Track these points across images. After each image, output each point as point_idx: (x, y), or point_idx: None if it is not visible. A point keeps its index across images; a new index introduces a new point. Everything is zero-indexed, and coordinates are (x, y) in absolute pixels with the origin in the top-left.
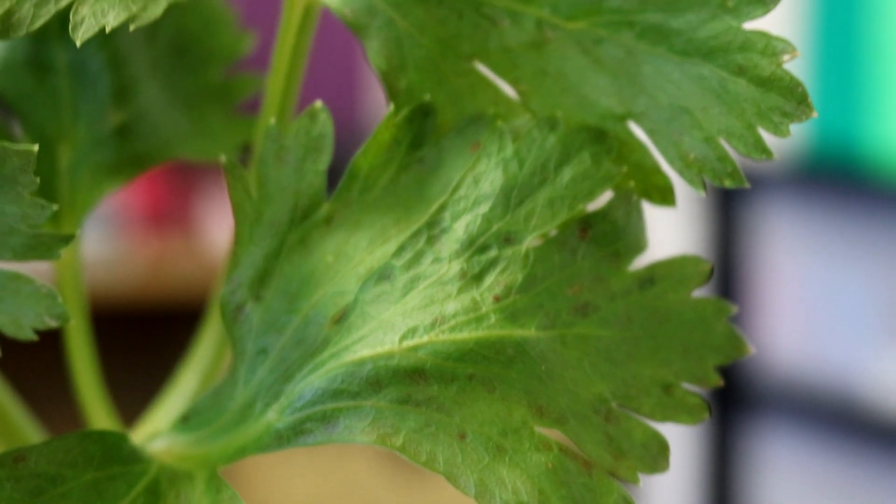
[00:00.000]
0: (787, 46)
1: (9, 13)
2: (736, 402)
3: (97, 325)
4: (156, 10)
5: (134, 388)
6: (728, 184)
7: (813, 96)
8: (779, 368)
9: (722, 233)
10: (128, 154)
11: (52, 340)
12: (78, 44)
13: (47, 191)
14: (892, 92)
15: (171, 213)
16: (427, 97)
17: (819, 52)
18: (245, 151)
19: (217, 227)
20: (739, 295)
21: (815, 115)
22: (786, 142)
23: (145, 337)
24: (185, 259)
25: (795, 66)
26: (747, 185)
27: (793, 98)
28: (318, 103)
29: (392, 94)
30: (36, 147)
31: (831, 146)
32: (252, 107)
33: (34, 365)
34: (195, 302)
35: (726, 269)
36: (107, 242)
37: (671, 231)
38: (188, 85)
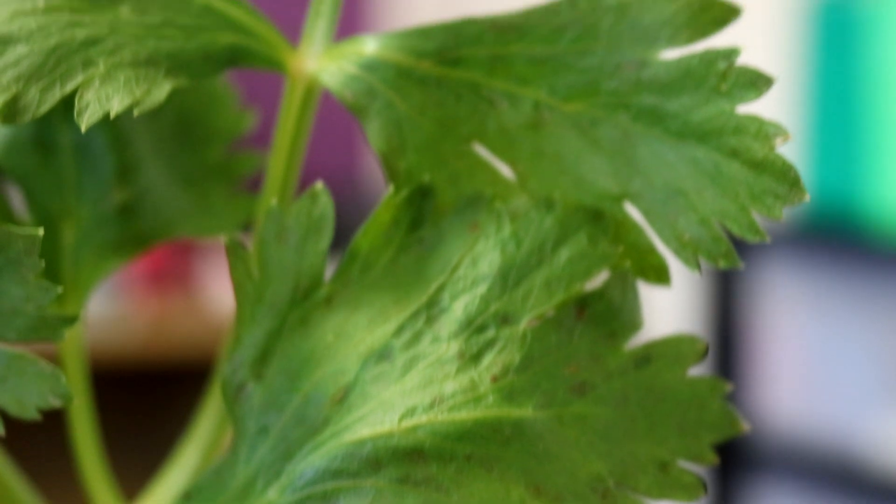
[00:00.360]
0: (780, 130)
1: (15, 99)
2: (737, 462)
3: (98, 384)
4: (159, 95)
5: (136, 447)
6: (722, 264)
7: (811, 155)
8: (780, 428)
9: (722, 292)
10: (131, 232)
11: (54, 416)
12: (83, 129)
13: (51, 268)
14: (891, 151)
15: (171, 272)
16: (426, 178)
17: (818, 111)
18: (247, 227)
19: (217, 286)
20: (739, 354)
21: (807, 198)
22: None
23: (147, 396)
24: (186, 318)
25: (794, 130)
26: (741, 266)
27: (785, 181)
28: (319, 184)
29: (392, 175)
30: (41, 231)
31: (830, 206)
32: (254, 183)
33: (36, 441)
34: (197, 361)
35: (726, 327)
36: (108, 301)
37: (672, 288)
38: (190, 163)
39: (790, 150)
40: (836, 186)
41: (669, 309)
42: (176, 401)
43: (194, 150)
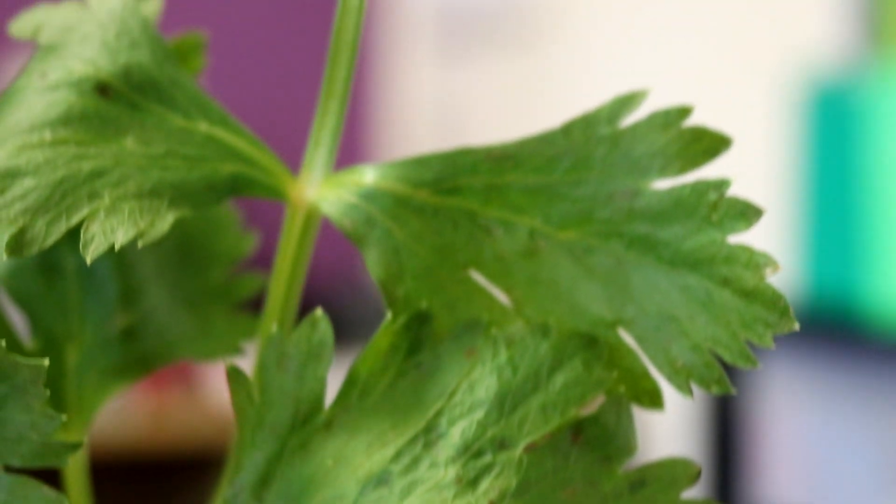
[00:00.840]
0: (769, 261)
1: (22, 231)
2: None
3: (98, 476)
4: (163, 227)
5: None
6: (715, 390)
7: (809, 247)
8: None
9: None
10: (133, 356)
11: None
12: (88, 261)
13: (55, 391)
14: (889, 245)
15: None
16: (424, 304)
17: (815, 202)
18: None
19: (217, 378)
20: (740, 449)
21: (796, 327)
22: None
23: (147, 488)
24: (187, 410)
25: (791, 217)
26: (734, 392)
27: (775, 310)
28: (318, 311)
29: (390, 301)
30: (46, 361)
31: (828, 299)
32: (256, 303)
33: None
34: (197, 453)
35: (726, 422)
36: None
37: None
38: (192, 286)
39: (788, 244)
40: (834, 279)
41: (670, 400)
42: (176, 493)
43: (196, 273)
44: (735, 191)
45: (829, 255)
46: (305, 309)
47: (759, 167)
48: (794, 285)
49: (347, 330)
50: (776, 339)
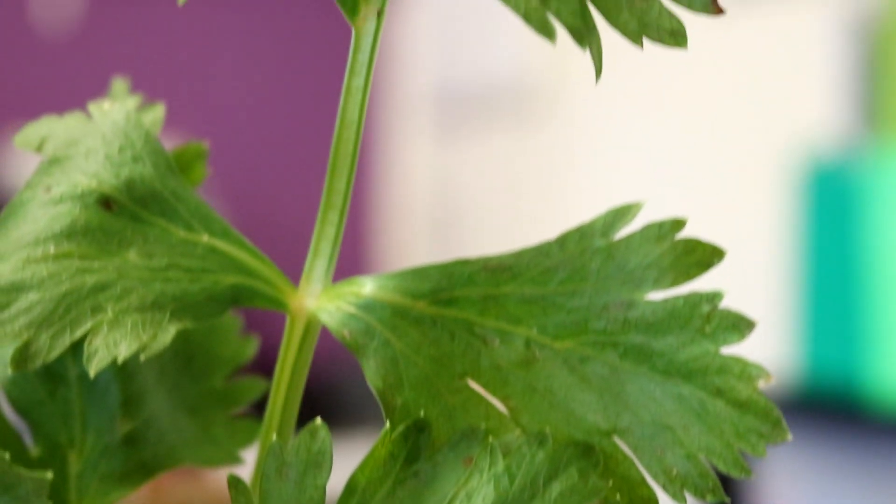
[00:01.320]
0: (762, 372)
1: (27, 345)
2: None
3: None
4: (165, 340)
5: None
6: (710, 499)
7: (807, 327)
8: None
9: None
10: (135, 462)
11: None
12: (91, 374)
13: (57, 498)
14: (887, 325)
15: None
16: (422, 414)
17: (813, 282)
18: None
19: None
20: None
21: (789, 438)
22: (781, 374)
23: None
24: (187, 492)
25: (791, 300)
26: (728, 501)
27: (768, 421)
28: (318, 421)
29: (388, 410)
30: (49, 474)
31: (827, 379)
32: (258, 407)
33: None
34: None
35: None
36: None
37: None
38: (193, 392)
39: (788, 323)
40: (833, 359)
41: None
42: None
43: (197, 379)
44: (736, 274)
45: (828, 335)
46: (308, 392)
47: (760, 247)
48: (794, 365)
49: (347, 409)
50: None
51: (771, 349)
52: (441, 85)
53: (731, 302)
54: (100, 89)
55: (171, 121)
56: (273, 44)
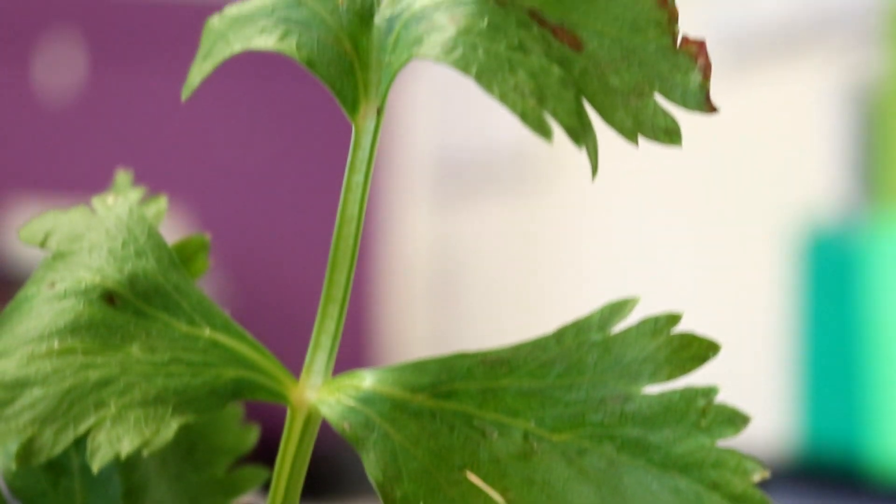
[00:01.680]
0: (757, 466)
1: (31, 441)
2: None
3: None
4: (167, 435)
5: None
6: None
7: (808, 398)
8: None
9: None
10: None
11: None
12: (95, 470)
13: None
14: (887, 394)
15: None
16: None
17: (813, 349)
18: None
19: None
20: None
21: None
22: (782, 444)
23: None
24: None
25: (791, 369)
26: None
27: None
28: None
29: (388, 503)
30: None
31: (826, 447)
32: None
33: None
34: None
35: None
36: None
37: None
38: (194, 482)
39: (788, 392)
40: (833, 428)
41: None
42: None
43: (199, 469)
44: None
45: (828, 404)
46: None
47: (760, 316)
48: (794, 435)
49: (348, 479)
50: (778, 487)
51: (771, 419)
52: (441, 153)
53: (732, 368)
54: (101, 156)
55: (172, 200)
56: (278, 126)
